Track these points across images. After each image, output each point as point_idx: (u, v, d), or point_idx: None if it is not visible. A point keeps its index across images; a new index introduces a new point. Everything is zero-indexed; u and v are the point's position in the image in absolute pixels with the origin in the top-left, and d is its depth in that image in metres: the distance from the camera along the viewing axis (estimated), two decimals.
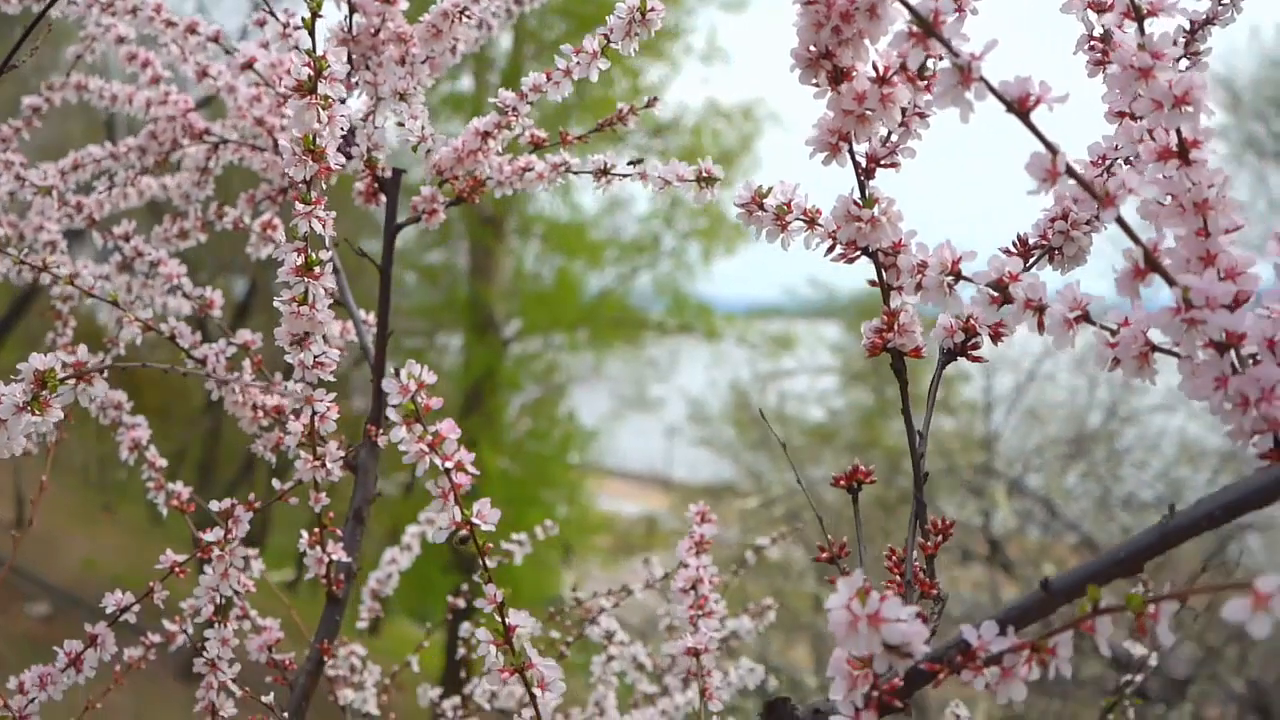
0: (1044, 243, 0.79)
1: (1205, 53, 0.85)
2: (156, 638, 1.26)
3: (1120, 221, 0.59)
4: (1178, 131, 0.62)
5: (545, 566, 9.37)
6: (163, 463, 1.19)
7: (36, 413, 0.75)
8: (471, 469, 0.72)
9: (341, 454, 1.03)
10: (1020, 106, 0.58)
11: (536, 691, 0.75)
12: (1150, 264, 0.59)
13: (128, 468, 1.23)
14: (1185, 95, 0.61)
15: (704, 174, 0.98)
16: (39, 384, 0.75)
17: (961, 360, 0.80)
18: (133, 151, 1.30)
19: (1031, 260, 0.80)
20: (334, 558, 1.09)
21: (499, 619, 0.75)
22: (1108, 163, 0.80)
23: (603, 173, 1.06)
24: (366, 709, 1.41)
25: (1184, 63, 0.84)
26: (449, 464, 0.72)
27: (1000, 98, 0.58)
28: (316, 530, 1.08)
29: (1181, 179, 0.62)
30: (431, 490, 0.72)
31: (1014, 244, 0.80)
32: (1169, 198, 0.63)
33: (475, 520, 0.73)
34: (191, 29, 1.18)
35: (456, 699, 1.45)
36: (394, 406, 0.71)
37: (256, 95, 1.28)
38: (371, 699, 1.42)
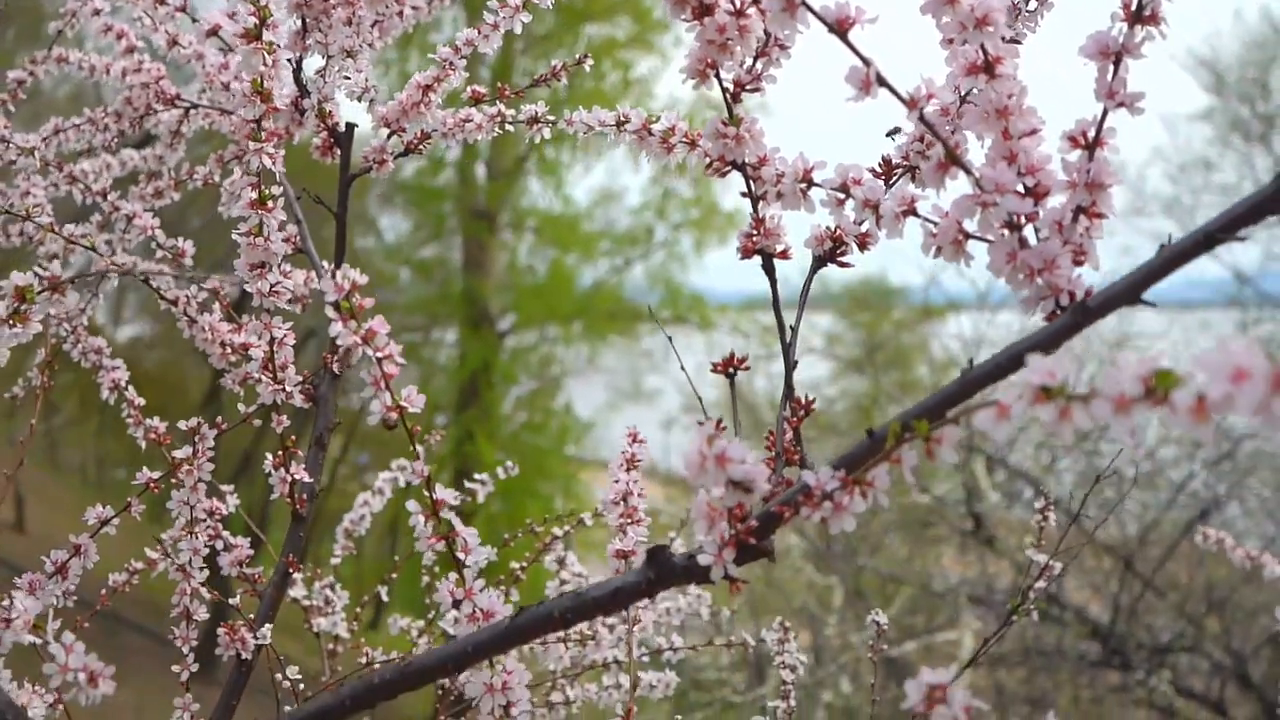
0: (905, 162, 0.90)
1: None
2: (139, 565, 1.37)
3: (924, 121, 0.69)
4: (982, 48, 0.73)
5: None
6: (141, 401, 1.29)
7: (17, 323, 0.86)
8: (399, 359, 0.83)
9: (300, 379, 1.13)
10: (840, 27, 0.69)
11: (460, 555, 0.85)
12: (951, 159, 0.70)
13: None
14: (985, 18, 0.72)
15: (621, 119, 1.08)
16: (19, 298, 0.86)
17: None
18: (109, 117, 1.41)
19: (895, 178, 0.90)
20: (296, 478, 1.19)
21: (427, 493, 0.85)
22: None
23: (534, 120, 1.17)
24: (337, 632, 1.52)
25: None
26: (380, 354, 0.82)
27: (822, 20, 0.69)
28: (280, 452, 1.19)
29: (988, 91, 0.73)
30: (365, 378, 0.83)
31: (879, 164, 0.91)
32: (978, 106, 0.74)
33: (404, 404, 0.83)
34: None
35: (421, 623, 1.57)
36: (330, 304, 0.81)
37: (224, 62, 1.38)
38: (341, 624, 1.54)
